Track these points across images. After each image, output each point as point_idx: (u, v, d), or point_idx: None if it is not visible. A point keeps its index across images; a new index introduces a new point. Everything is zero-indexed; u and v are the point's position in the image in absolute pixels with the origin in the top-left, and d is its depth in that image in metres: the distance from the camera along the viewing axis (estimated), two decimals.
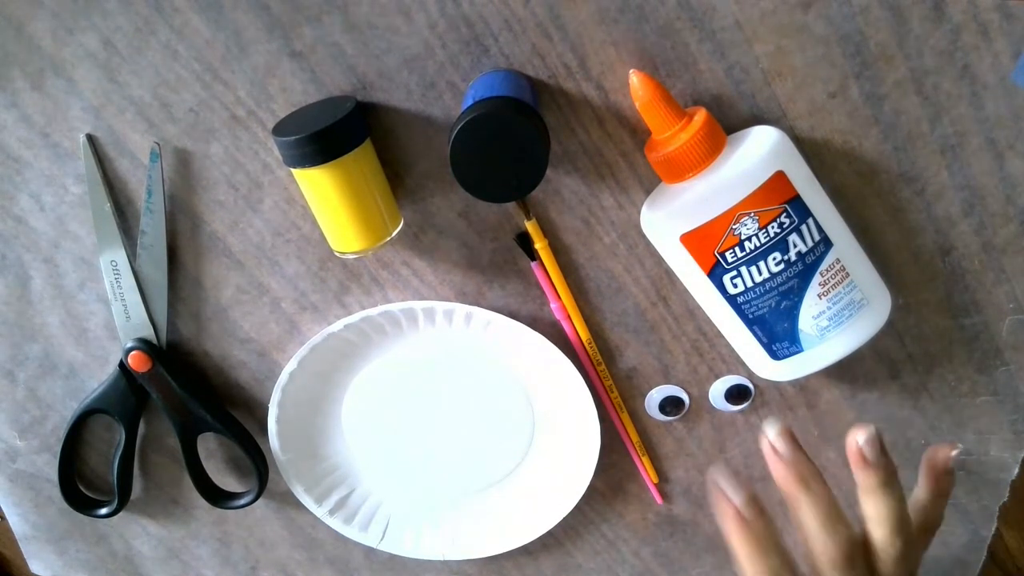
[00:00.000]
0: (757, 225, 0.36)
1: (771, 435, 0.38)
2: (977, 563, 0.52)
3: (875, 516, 0.38)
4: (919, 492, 0.41)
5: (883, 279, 0.40)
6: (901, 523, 0.38)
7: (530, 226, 0.41)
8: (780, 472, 0.38)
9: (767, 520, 0.37)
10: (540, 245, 0.41)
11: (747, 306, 0.38)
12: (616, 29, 0.36)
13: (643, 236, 0.41)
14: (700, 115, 0.35)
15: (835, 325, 0.38)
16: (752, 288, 0.37)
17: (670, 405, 0.46)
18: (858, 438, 0.37)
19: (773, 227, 0.36)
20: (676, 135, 0.35)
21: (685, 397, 0.46)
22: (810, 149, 0.38)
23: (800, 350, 0.39)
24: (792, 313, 0.38)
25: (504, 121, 0.32)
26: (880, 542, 0.38)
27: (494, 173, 0.33)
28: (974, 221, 0.40)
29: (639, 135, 0.38)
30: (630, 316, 0.44)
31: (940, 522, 0.41)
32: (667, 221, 0.37)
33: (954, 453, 0.40)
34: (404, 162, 0.40)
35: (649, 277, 0.42)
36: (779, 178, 0.35)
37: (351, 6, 0.36)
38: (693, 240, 0.37)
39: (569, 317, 0.44)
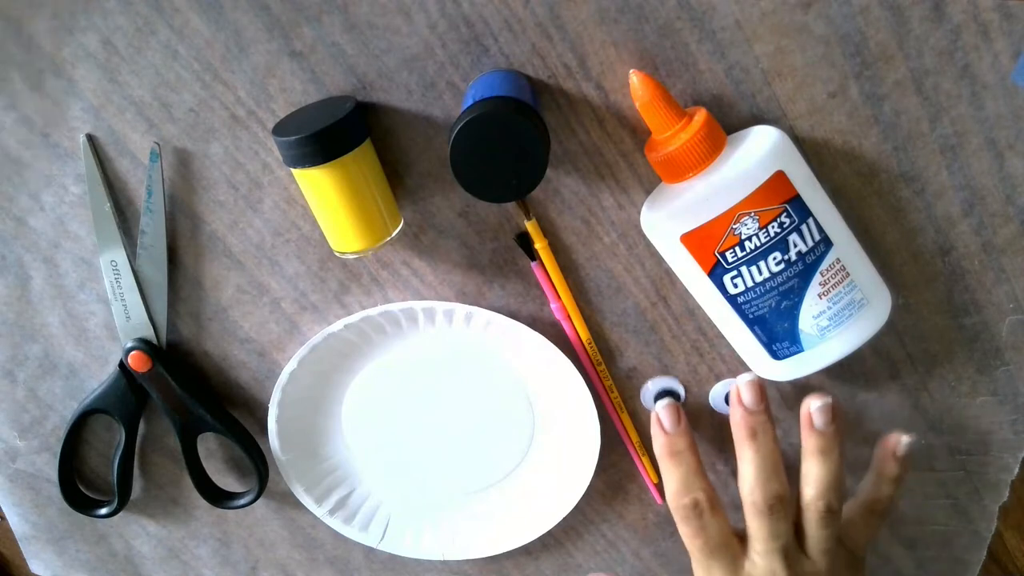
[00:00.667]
0: (757, 225, 0.36)
1: (740, 382, 0.41)
2: (977, 563, 0.52)
3: (807, 476, 0.42)
4: (869, 472, 0.43)
5: (883, 279, 0.40)
6: (830, 487, 0.41)
7: (530, 226, 0.41)
8: (735, 418, 0.41)
9: (686, 434, 0.42)
10: (540, 245, 0.41)
11: (747, 306, 0.38)
12: (616, 29, 0.36)
13: (643, 236, 0.41)
14: (700, 115, 0.35)
15: (835, 325, 0.38)
16: (752, 288, 0.37)
17: (665, 397, 0.46)
18: (811, 404, 0.40)
19: (773, 227, 0.36)
20: (676, 135, 0.35)
21: (680, 389, 0.46)
22: (810, 149, 0.38)
23: (800, 350, 0.39)
24: (792, 313, 0.38)
25: (504, 121, 0.32)
26: (806, 500, 0.41)
27: (494, 173, 0.33)
28: (974, 221, 0.40)
29: (639, 135, 0.38)
30: (630, 316, 0.44)
31: (887, 506, 0.43)
32: (667, 221, 0.37)
33: (904, 439, 0.42)
34: (404, 162, 0.40)
35: (649, 277, 0.42)
36: (779, 178, 0.35)
37: (351, 6, 0.36)
38: (693, 240, 0.37)
39: (569, 317, 0.44)
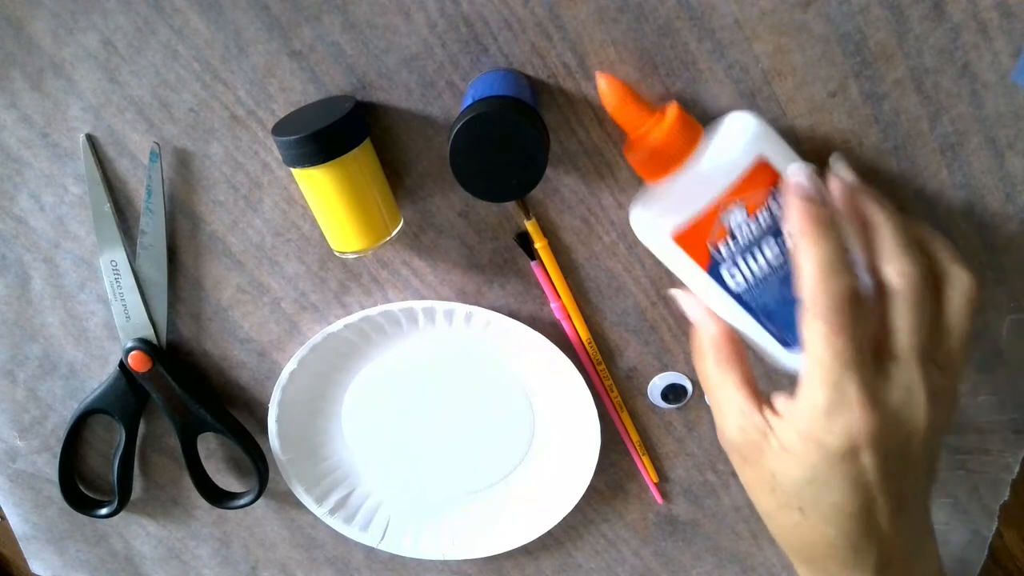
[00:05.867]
0: (745, 214, 0.35)
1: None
2: (978, 562, 0.52)
3: (876, 247, 0.34)
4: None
5: None
6: (905, 249, 0.33)
7: (530, 226, 0.41)
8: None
9: (832, 207, 0.34)
10: (540, 245, 0.41)
11: (751, 298, 0.38)
12: (616, 28, 0.36)
13: None
14: (672, 109, 0.35)
15: None
16: (752, 279, 0.37)
17: (672, 393, 0.46)
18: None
19: (763, 214, 0.36)
20: (650, 132, 0.35)
21: (688, 385, 0.46)
22: (809, 148, 0.38)
23: None
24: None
25: (504, 121, 0.32)
26: (888, 277, 0.33)
27: (494, 173, 0.33)
28: (974, 220, 0.40)
29: None
30: (630, 316, 0.44)
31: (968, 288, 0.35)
32: (655, 220, 0.37)
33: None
34: (404, 162, 0.40)
35: (649, 277, 0.42)
36: (761, 164, 0.35)
37: (351, 6, 0.36)
38: (685, 238, 0.36)
39: (569, 317, 0.44)
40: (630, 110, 0.35)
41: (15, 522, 0.53)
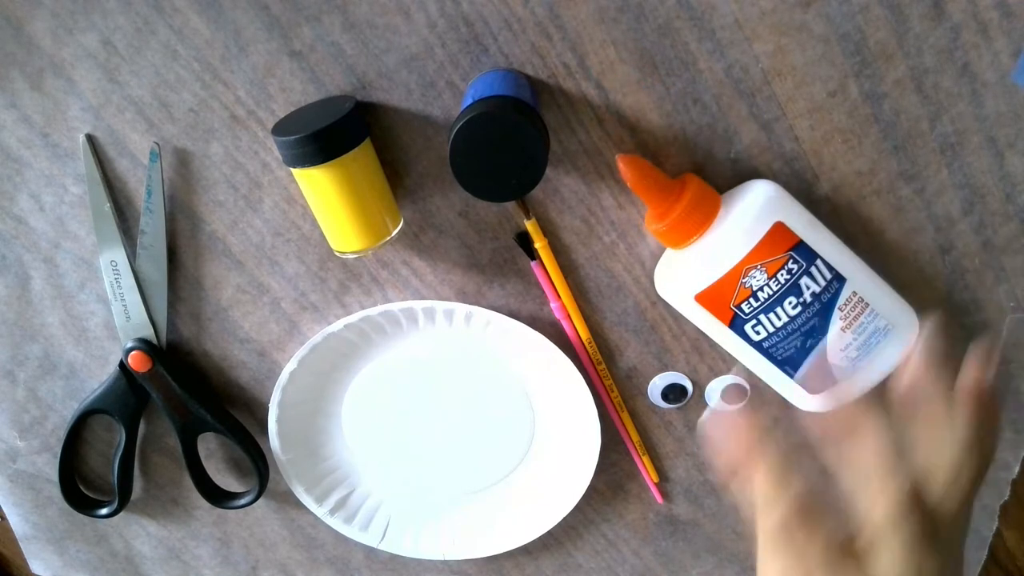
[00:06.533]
0: (766, 276, 0.36)
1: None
2: (978, 562, 0.52)
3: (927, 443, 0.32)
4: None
5: (906, 301, 0.40)
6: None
7: (530, 226, 0.41)
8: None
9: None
10: (540, 244, 0.41)
11: (773, 349, 0.39)
12: (616, 28, 0.36)
13: (643, 236, 0.41)
14: (691, 184, 0.36)
15: (864, 354, 0.38)
16: (774, 333, 0.38)
17: (673, 393, 0.46)
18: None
19: (782, 275, 0.37)
20: (671, 208, 0.36)
21: (688, 385, 0.46)
22: (809, 148, 0.38)
23: (834, 382, 0.39)
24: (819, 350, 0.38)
25: (504, 121, 0.32)
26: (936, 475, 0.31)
27: (494, 173, 0.33)
28: (974, 220, 0.40)
29: (638, 134, 0.38)
30: (630, 316, 0.44)
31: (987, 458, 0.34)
32: (678, 285, 0.38)
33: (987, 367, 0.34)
34: (404, 162, 0.40)
35: (649, 277, 0.42)
36: (778, 228, 0.36)
37: (351, 6, 0.36)
38: (707, 298, 0.37)
39: (569, 317, 0.44)
40: (649, 188, 0.36)
41: (15, 522, 0.53)
